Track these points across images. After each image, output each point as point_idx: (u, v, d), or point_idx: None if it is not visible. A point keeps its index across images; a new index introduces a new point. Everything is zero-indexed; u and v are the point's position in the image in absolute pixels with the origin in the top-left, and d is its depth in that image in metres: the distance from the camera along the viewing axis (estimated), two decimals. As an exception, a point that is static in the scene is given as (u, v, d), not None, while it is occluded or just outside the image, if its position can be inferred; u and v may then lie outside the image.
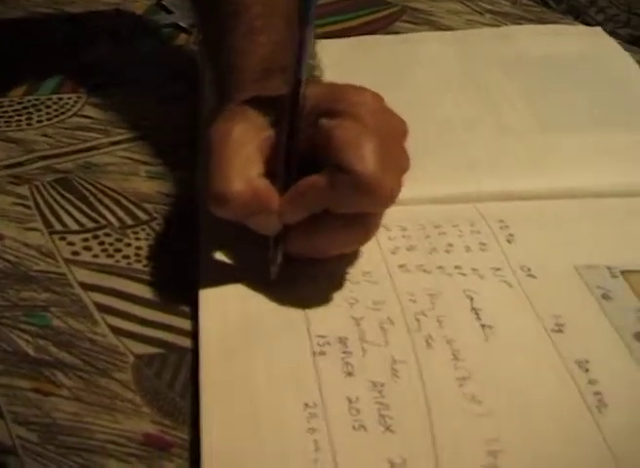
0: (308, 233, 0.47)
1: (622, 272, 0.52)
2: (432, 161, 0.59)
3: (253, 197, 0.45)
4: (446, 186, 0.57)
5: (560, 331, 0.47)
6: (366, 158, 0.44)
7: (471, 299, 0.49)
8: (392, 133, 0.47)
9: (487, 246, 0.53)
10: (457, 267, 0.51)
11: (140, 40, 0.78)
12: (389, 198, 0.45)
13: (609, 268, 0.52)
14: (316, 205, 0.46)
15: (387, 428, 0.41)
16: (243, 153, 0.46)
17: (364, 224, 0.47)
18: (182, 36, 0.79)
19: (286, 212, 0.46)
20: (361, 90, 0.47)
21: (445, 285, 0.50)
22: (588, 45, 0.76)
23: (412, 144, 0.49)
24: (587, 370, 0.45)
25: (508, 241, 0.54)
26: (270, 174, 0.46)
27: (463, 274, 0.51)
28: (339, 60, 0.70)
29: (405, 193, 0.47)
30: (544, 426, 0.42)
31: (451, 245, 0.53)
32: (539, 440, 0.41)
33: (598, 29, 0.80)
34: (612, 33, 0.82)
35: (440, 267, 0.51)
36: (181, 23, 0.80)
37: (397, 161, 0.46)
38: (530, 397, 0.43)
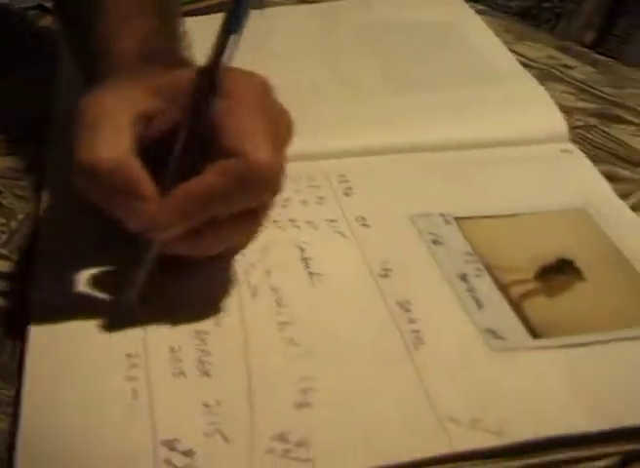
0: (189, 232, 0.42)
1: (456, 219, 0.54)
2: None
3: (119, 170, 0.40)
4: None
5: (386, 275, 0.49)
6: (259, 144, 0.41)
7: (302, 250, 0.50)
8: (280, 121, 0.44)
9: (324, 199, 0.55)
10: (291, 220, 0.53)
11: (5, 23, 0.77)
12: (281, 185, 0.42)
13: (442, 216, 0.54)
14: (211, 211, 0.41)
15: (205, 373, 0.42)
16: (114, 122, 0.41)
17: (253, 218, 0.44)
18: (48, 18, 0.78)
19: (172, 222, 0.41)
20: (250, 74, 0.44)
21: (278, 237, 0.51)
22: (445, 12, 0.78)
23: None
24: (409, 311, 0.47)
25: (346, 194, 0.55)
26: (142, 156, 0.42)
27: (297, 226, 0.52)
28: (203, 37, 0.70)
29: None
30: (361, 365, 0.43)
31: (287, 199, 0.54)
32: (353, 377, 0.43)
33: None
34: (504, 6, 0.84)
35: (275, 221, 0.52)
36: (47, 4, 0.79)
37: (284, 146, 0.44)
38: (349, 338, 0.45)
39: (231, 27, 0.42)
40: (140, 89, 0.43)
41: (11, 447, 0.39)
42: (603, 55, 0.88)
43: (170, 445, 0.38)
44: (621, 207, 0.58)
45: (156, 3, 0.52)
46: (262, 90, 0.43)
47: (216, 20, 0.77)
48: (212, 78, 0.41)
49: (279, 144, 0.42)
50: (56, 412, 0.40)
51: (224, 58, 0.41)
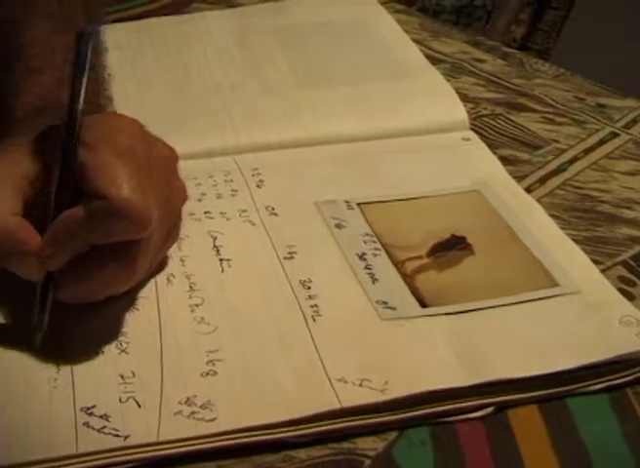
0: (77, 276, 0.46)
1: (359, 204, 0.60)
2: (196, 122, 0.65)
3: (5, 236, 0.43)
4: (205, 142, 0.64)
5: (291, 257, 0.54)
6: (119, 182, 0.43)
7: (215, 239, 0.55)
8: (157, 157, 0.48)
9: (238, 192, 0.60)
10: (206, 212, 0.58)
11: None
12: (147, 221, 0.44)
13: (346, 202, 0.60)
14: (78, 241, 0.44)
15: (123, 350, 0.47)
16: None
17: (130, 255, 0.46)
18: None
19: (49, 254, 0.44)
20: (119, 116, 0.48)
21: (192, 228, 0.56)
22: (358, 12, 0.84)
23: (178, 110, 0.56)
24: (309, 288, 0.52)
25: (258, 186, 0.60)
26: (30, 214, 0.45)
27: (211, 218, 0.57)
28: (125, 43, 0.76)
29: None
30: (263, 338, 0.49)
31: (204, 194, 0.59)
32: (256, 349, 0.48)
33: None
34: (437, 5, 0.90)
35: (191, 214, 0.57)
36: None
37: (161, 186, 0.47)
38: (254, 315, 0.50)
39: (80, 71, 0.45)
40: (26, 150, 0.46)
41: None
42: (532, 49, 0.94)
43: (88, 410, 0.43)
44: (515, 188, 0.63)
45: (65, 56, 0.52)
46: (129, 130, 0.47)
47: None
48: (70, 124, 0.45)
49: (145, 182, 0.45)
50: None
51: (80, 104, 0.45)
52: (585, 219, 0.63)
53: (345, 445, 0.45)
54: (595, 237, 0.61)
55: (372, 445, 0.45)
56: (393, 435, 0.46)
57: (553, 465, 0.45)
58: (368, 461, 0.44)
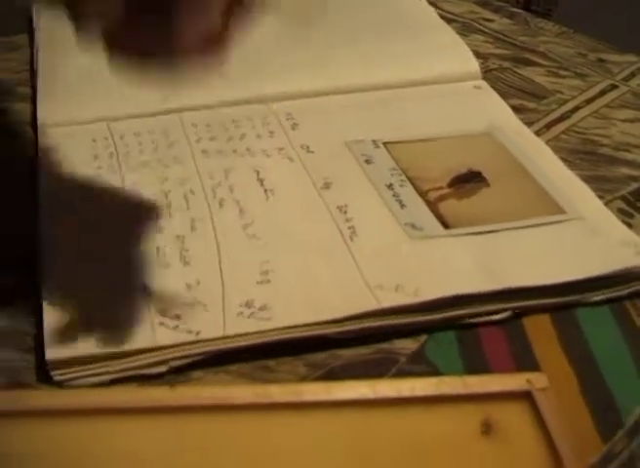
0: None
1: (384, 143, 0.66)
2: (233, 72, 0.71)
3: None
4: (243, 91, 0.70)
5: (327, 187, 0.61)
6: None
7: (258, 172, 0.62)
8: None
9: (274, 133, 0.67)
10: (248, 149, 0.65)
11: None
12: None
13: (373, 141, 0.66)
14: None
15: (186, 263, 0.54)
16: None
17: None
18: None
19: None
20: None
21: (237, 163, 0.63)
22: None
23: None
24: (346, 212, 0.59)
25: (293, 128, 0.67)
26: None
27: (253, 155, 0.64)
28: None
29: (209, 98, 0.64)
30: (308, 252, 0.56)
31: (244, 134, 0.66)
32: (302, 261, 0.55)
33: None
34: None
35: (234, 150, 0.64)
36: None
37: None
38: (298, 233, 0.57)
39: None
40: None
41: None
42: (535, 12, 1.01)
43: (162, 312, 0.50)
44: (524, 130, 0.70)
45: None
46: None
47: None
48: None
49: None
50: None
51: None
52: (588, 161, 0.70)
53: (384, 345, 0.52)
54: (597, 176, 0.68)
55: (406, 345, 0.52)
56: (424, 337, 0.53)
57: (563, 362, 0.52)
58: (403, 358, 0.51)
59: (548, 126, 0.74)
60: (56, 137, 0.64)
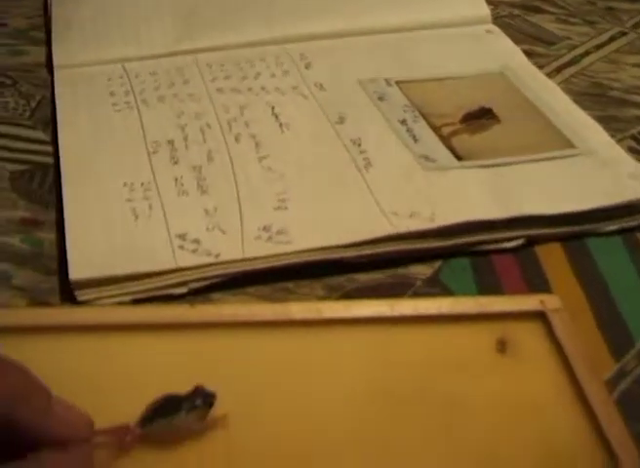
0: None
1: (397, 82, 0.67)
2: (245, 14, 0.72)
3: None
4: (255, 33, 0.71)
5: (341, 122, 0.62)
6: None
7: (273, 108, 0.63)
8: None
9: (288, 72, 0.67)
10: (262, 88, 0.65)
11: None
12: None
13: (386, 80, 0.67)
14: None
15: (204, 191, 0.55)
16: None
17: None
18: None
19: None
20: None
21: (252, 100, 0.64)
22: None
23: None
24: (360, 145, 0.60)
25: (306, 67, 0.68)
26: None
27: (268, 92, 0.65)
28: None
29: (223, 40, 0.65)
30: (324, 182, 0.56)
31: (259, 73, 0.67)
32: (318, 189, 0.56)
33: None
34: None
35: (249, 89, 0.65)
36: None
37: None
38: (313, 164, 0.58)
39: None
40: None
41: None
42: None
43: (182, 236, 0.51)
44: (534, 71, 0.71)
45: None
46: None
47: None
48: None
49: None
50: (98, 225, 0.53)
51: None
52: (598, 103, 0.71)
53: (399, 270, 0.53)
54: (607, 116, 0.68)
55: (421, 270, 0.53)
56: (439, 263, 0.54)
57: (575, 287, 0.53)
58: (419, 282, 0.52)
59: (558, 69, 0.74)
60: (71, 78, 0.64)
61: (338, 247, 0.50)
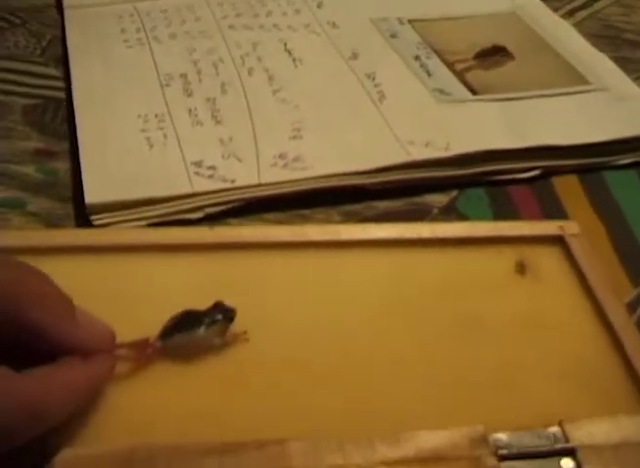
0: None
1: (409, 20, 0.67)
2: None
3: None
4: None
5: (355, 58, 0.62)
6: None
7: (285, 44, 0.63)
8: None
9: (300, 11, 0.67)
10: (274, 25, 0.65)
11: None
12: None
13: (398, 19, 0.67)
14: None
15: (218, 122, 0.55)
16: None
17: None
18: None
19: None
20: None
21: (265, 37, 0.63)
22: None
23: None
24: (374, 79, 0.59)
25: (318, 6, 0.67)
26: None
27: (280, 29, 0.64)
28: None
29: None
30: (338, 112, 0.56)
31: (271, 11, 0.66)
32: (333, 119, 0.55)
33: None
34: None
35: (261, 26, 0.65)
36: None
37: None
38: (328, 96, 0.57)
39: None
40: None
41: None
42: None
43: (197, 164, 0.51)
44: (547, 11, 0.70)
45: None
46: None
47: None
48: None
49: None
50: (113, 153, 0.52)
51: None
52: (611, 44, 0.70)
53: (416, 199, 0.53)
54: (621, 57, 0.68)
55: (437, 199, 0.53)
56: (455, 192, 0.53)
57: (592, 216, 0.53)
58: (435, 210, 0.52)
59: (571, 12, 0.74)
60: (82, 17, 0.64)
61: (354, 173, 0.50)
